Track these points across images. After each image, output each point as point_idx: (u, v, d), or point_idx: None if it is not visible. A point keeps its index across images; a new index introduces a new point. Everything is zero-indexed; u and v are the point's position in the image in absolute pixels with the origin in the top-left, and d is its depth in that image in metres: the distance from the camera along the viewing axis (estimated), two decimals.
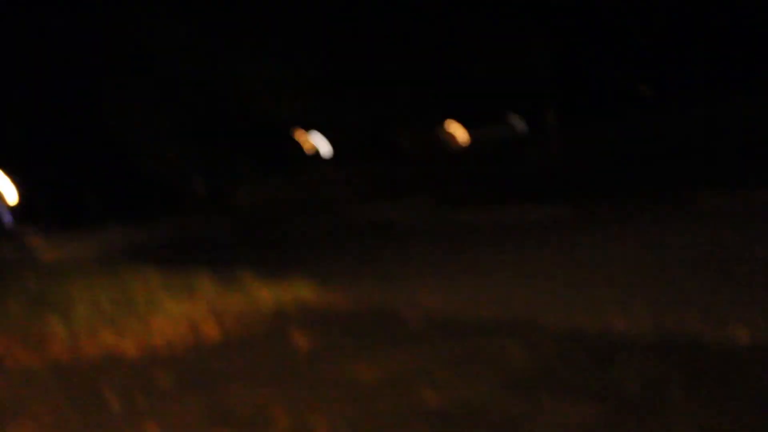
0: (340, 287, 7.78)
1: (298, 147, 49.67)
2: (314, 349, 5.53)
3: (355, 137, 39.33)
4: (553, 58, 28.87)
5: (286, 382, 4.86)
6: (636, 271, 6.80)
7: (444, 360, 4.82)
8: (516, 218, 12.90)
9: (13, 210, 60.12)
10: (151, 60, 39.21)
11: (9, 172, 57.72)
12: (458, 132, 44.43)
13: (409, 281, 8.22)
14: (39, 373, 6.17)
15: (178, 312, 7.17)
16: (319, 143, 49.25)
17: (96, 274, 11.15)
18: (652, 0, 26.11)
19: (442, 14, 28.81)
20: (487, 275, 7.81)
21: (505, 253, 9.20)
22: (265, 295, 7.41)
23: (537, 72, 29.45)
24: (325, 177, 40.28)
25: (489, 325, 5.51)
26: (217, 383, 5.06)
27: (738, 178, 11.69)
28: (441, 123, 39.52)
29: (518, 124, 39.96)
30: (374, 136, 38.95)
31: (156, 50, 37.64)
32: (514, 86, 31.76)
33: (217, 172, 51.43)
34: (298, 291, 7.37)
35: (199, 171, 52.96)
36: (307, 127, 45.54)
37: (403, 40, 29.83)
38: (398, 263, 9.94)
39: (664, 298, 5.61)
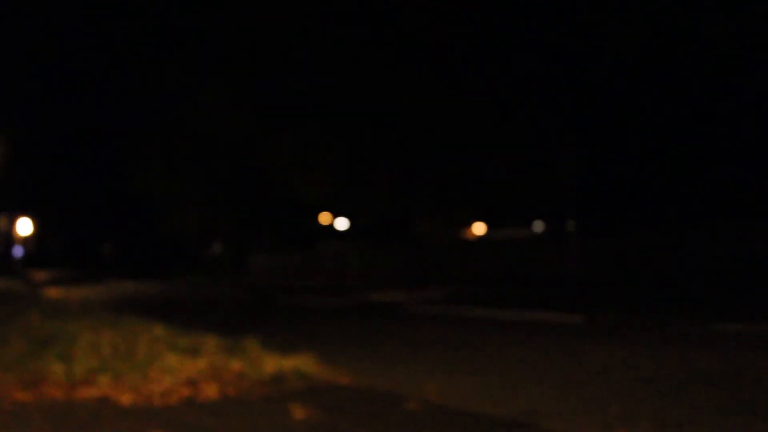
0: (343, 364, 7.72)
1: (317, 224, 49.88)
2: (310, 421, 5.46)
3: (376, 221, 39.48)
4: (579, 168, 29.03)
5: None
6: (645, 385, 6.72)
7: None
8: (527, 319, 12.84)
9: (25, 245, 60.48)
10: (181, 121, 39.61)
11: (29, 212, 58.22)
12: (479, 230, 44.54)
13: (414, 367, 8.18)
14: (31, 410, 6.12)
15: (178, 367, 7.12)
16: (339, 223, 49.48)
17: (101, 320, 11.12)
18: (683, 116, 26.37)
19: (478, 115, 29.09)
20: (492, 370, 7.74)
21: (513, 351, 9.14)
22: (268, 362, 7.34)
23: (562, 180, 29.60)
24: (341, 257, 40.36)
25: (488, 421, 5.43)
26: None
27: (759, 304, 11.59)
28: (463, 219, 39.67)
29: (539, 228, 40.05)
30: (395, 223, 39.09)
31: (187, 112, 38.03)
32: (538, 191, 31.94)
33: (235, 237, 51.63)
34: (302, 362, 7.30)
35: (218, 234, 53.19)
36: (330, 208, 45.78)
37: (434, 136, 30.09)
38: (404, 348, 9.89)
39: (671, 415, 5.52)
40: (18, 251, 58.57)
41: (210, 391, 6.50)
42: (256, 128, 35.15)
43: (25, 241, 62.76)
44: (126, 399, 6.34)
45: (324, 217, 49.39)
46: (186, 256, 56.73)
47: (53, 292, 27.67)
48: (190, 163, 42.55)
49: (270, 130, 34.39)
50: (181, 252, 57.22)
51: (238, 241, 50.72)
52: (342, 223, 49.30)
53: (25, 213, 59.00)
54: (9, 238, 55.06)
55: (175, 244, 56.37)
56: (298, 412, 5.67)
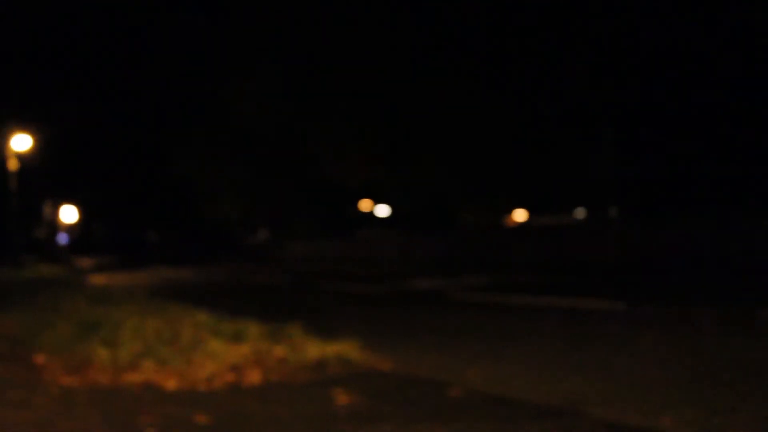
0: (385, 350, 7.73)
1: (358, 210, 49.96)
2: (352, 407, 5.48)
3: (416, 208, 39.44)
4: (621, 154, 28.78)
5: None
6: (689, 372, 6.66)
7: None
8: (570, 306, 12.78)
9: (70, 232, 61.13)
10: (224, 108, 39.75)
11: (73, 199, 58.82)
12: (520, 216, 44.36)
13: (456, 353, 8.17)
14: (78, 394, 6.19)
15: (222, 353, 7.17)
16: (379, 210, 49.53)
17: (145, 306, 11.22)
18: (727, 105, 26.06)
19: (520, 101, 28.92)
20: (535, 357, 7.72)
21: (556, 338, 9.09)
22: (311, 348, 7.37)
23: (604, 166, 29.38)
24: (382, 244, 40.39)
25: (531, 408, 5.42)
26: (253, 425, 5.04)
27: None
28: (504, 206, 39.53)
29: (581, 215, 39.81)
30: (436, 210, 39.03)
31: (229, 98, 38.12)
32: (580, 178, 31.73)
33: (277, 224, 51.82)
34: (344, 348, 7.32)
35: (260, 221, 53.41)
36: (371, 195, 45.79)
37: (475, 123, 29.96)
38: (446, 335, 9.88)
39: (716, 403, 5.47)
40: (63, 238, 59.32)
41: (253, 377, 6.54)
42: (299, 114, 35.19)
43: (70, 227, 63.54)
44: (170, 384, 6.40)
45: (365, 204, 49.45)
46: (230, 243, 57.04)
47: (98, 279, 27.97)
48: (233, 150, 42.75)
49: (313, 117, 34.42)
50: (226, 239, 57.54)
51: (279, 228, 50.88)
52: (382, 210, 49.35)
53: (69, 200, 59.72)
54: (54, 225, 55.72)
55: (219, 231, 56.70)
56: (341, 398, 5.69)
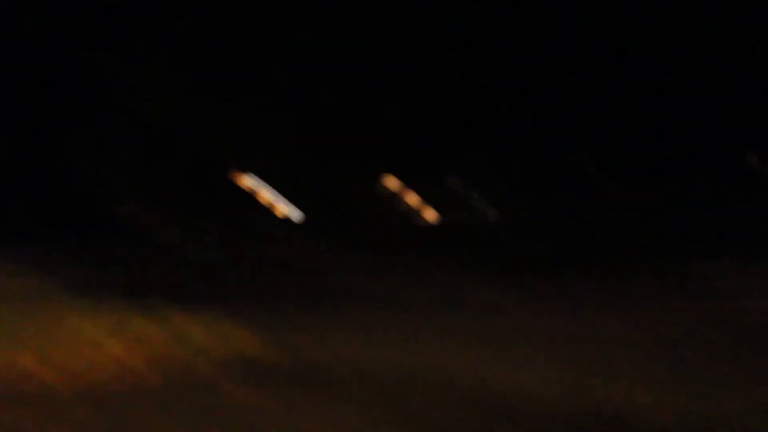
0: (278, 336, 7.30)
1: (253, 199, 49.76)
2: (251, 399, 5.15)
3: (320, 195, 39.22)
4: None
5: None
6: (620, 348, 6.35)
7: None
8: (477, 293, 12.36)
9: None
10: (120, 98, 39.04)
11: None
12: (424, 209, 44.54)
13: (338, 333, 7.65)
14: None
15: (103, 344, 6.82)
16: (278, 199, 49.48)
17: (31, 304, 10.70)
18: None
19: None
20: (451, 338, 7.27)
21: (471, 320, 8.58)
22: (193, 331, 7.08)
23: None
24: (280, 232, 40.15)
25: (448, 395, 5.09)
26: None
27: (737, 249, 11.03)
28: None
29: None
30: (338, 196, 38.87)
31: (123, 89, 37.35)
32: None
33: (175, 219, 51.36)
34: (237, 337, 7.02)
35: (157, 216, 52.92)
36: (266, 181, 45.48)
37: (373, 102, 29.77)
38: (326, 314, 9.28)
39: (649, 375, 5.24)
40: None
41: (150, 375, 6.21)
42: (198, 108, 34.74)
43: None
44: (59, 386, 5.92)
45: (261, 198, 49.43)
46: (123, 237, 56.66)
47: None
48: (128, 145, 42.14)
49: (210, 108, 34.03)
50: (117, 233, 57.14)
51: (177, 224, 50.71)
52: (284, 204, 49.39)
53: None
54: None
55: (112, 226, 56.25)
56: (241, 396, 5.46)
